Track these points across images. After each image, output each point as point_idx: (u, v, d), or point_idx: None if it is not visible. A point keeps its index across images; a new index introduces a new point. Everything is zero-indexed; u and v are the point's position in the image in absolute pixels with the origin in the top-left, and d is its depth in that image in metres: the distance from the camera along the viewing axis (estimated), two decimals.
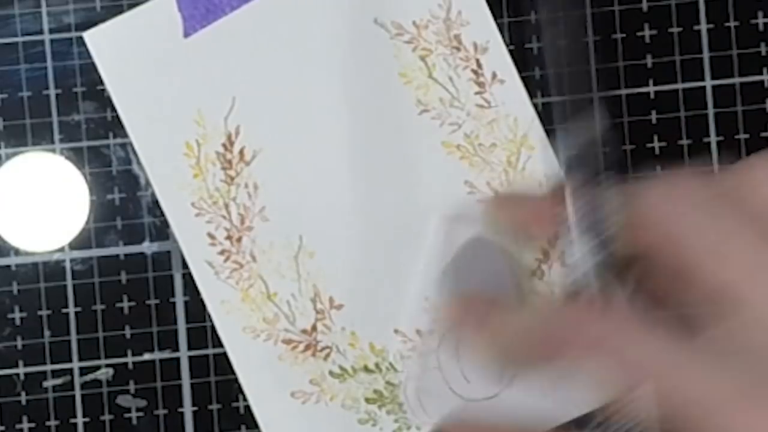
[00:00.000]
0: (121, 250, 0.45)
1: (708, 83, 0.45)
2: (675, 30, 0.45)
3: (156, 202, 0.45)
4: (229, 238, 0.45)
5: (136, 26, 0.45)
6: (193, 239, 0.45)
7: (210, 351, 0.45)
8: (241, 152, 0.45)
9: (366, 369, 0.44)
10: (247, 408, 0.45)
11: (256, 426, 0.44)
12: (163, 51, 0.45)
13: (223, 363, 0.45)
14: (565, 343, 0.26)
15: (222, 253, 0.44)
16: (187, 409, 0.45)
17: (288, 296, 0.44)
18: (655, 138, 0.45)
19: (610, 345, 0.26)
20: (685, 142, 0.45)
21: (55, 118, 0.45)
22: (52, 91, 0.45)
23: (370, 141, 0.45)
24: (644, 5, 0.45)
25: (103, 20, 0.45)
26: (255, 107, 0.45)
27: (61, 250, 0.45)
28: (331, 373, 0.44)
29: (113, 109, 0.45)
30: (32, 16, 0.45)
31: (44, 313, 0.45)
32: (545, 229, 0.29)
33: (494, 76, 0.44)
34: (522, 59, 0.45)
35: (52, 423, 0.45)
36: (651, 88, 0.45)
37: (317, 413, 0.44)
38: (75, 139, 0.45)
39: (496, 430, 0.30)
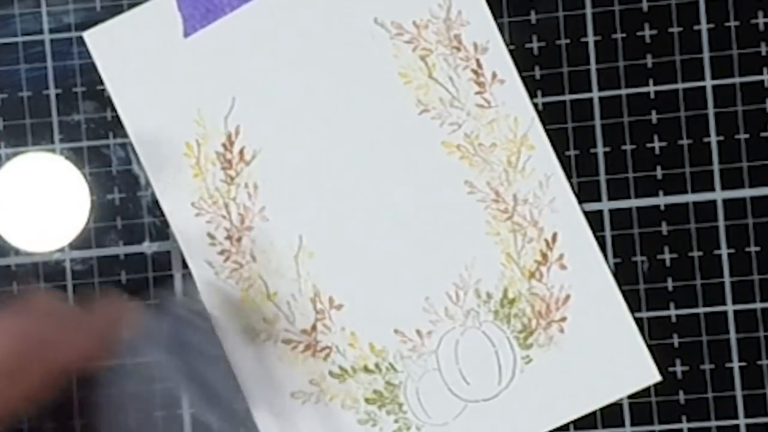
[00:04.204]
0: (121, 250, 0.45)
1: (708, 83, 0.44)
2: (675, 30, 0.45)
3: (156, 202, 0.45)
4: (229, 238, 0.45)
5: (136, 26, 0.45)
6: (193, 239, 0.45)
7: None
8: (241, 152, 0.45)
9: (366, 369, 0.44)
10: (247, 408, 0.45)
11: (255, 426, 0.44)
12: (163, 51, 0.45)
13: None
14: None
15: (222, 253, 0.44)
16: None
17: (288, 296, 0.45)
18: (655, 138, 0.45)
19: None
20: (685, 142, 0.45)
21: (55, 118, 0.45)
22: (52, 91, 0.45)
23: (370, 141, 0.44)
24: (644, 5, 0.45)
25: (103, 20, 0.45)
26: (255, 107, 0.45)
27: (61, 250, 0.45)
28: (330, 373, 0.44)
29: (113, 109, 0.45)
30: (32, 16, 0.45)
31: None
32: None
33: (494, 76, 0.44)
34: (522, 59, 0.45)
35: (51, 424, 0.45)
36: (651, 88, 0.45)
37: (317, 413, 0.44)
38: (75, 139, 0.45)
39: None
